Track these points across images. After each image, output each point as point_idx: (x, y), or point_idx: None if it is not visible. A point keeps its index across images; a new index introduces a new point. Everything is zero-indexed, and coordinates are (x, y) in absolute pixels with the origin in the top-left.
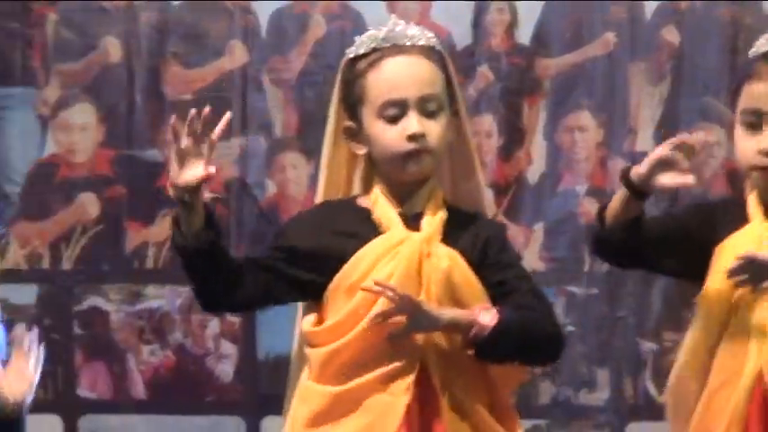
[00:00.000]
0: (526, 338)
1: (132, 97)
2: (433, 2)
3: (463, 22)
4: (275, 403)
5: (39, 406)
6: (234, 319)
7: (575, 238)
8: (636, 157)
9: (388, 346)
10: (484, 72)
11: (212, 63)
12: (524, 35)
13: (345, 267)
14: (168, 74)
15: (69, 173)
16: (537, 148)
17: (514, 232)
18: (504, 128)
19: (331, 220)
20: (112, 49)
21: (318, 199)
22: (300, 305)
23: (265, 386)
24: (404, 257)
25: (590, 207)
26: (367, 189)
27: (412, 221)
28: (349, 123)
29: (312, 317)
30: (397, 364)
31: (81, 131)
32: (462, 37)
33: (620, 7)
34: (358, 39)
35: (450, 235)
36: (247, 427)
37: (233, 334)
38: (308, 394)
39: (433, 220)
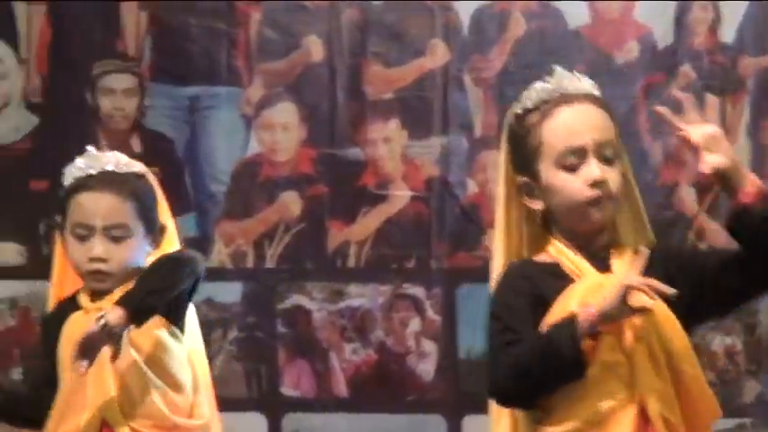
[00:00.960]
0: None
1: (334, 96)
2: (636, 1)
3: (666, 21)
4: (476, 402)
5: (243, 404)
6: (435, 318)
7: None
8: None
9: (606, 384)
10: (686, 71)
11: (413, 62)
12: (727, 34)
13: (554, 312)
14: (369, 73)
15: (272, 172)
16: (740, 147)
17: (716, 231)
18: None
19: (528, 279)
20: (315, 48)
21: (499, 263)
22: None
23: (466, 384)
24: None
25: None
26: (537, 249)
27: (597, 265)
28: (523, 179)
29: None
30: (615, 400)
31: (284, 131)
32: (664, 35)
33: None
34: (524, 95)
35: (640, 272)
36: (448, 425)
37: (434, 332)
38: None
39: (623, 262)
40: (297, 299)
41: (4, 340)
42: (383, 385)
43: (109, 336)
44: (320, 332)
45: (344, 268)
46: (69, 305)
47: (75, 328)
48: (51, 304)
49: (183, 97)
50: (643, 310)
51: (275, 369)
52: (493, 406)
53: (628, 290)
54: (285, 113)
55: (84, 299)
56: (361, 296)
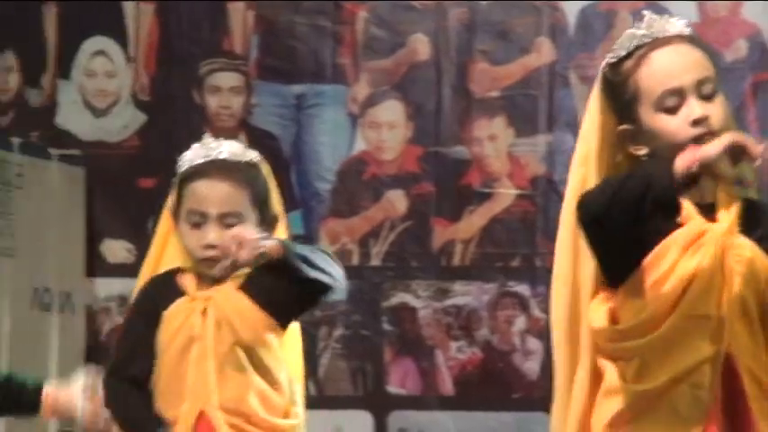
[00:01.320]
0: None
1: (440, 95)
2: (744, 0)
3: None
4: None
5: (349, 402)
6: (540, 316)
7: None
8: None
9: (693, 339)
10: None
11: (519, 60)
12: None
13: (649, 260)
14: (475, 71)
15: (378, 170)
16: None
17: None
18: None
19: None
20: (421, 46)
21: None
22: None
23: None
24: (708, 250)
25: None
26: None
27: (704, 212)
28: (624, 126)
29: (602, 313)
30: (702, 355)
31: (389, 129)
32: None
33: None
34: (616, 44)
35: (745, 225)
36: None
37: (539, 330)
38: (613, 392)
39: (730, 211)
40: (402, 297)
41: (115, 337)
42: (489, 383)
43: (256, 256)
44: (426, 330)
45: (450, 266)
46: (167, 287)
47: (180, 317)
48: (143, 277)
49: (289, 95)
50: (743, 159)
51: (381, 367)
52: (560, 366)
53: (733, 143)
54: (391, 112)
55: (190, 285)
56: (466, 294)
